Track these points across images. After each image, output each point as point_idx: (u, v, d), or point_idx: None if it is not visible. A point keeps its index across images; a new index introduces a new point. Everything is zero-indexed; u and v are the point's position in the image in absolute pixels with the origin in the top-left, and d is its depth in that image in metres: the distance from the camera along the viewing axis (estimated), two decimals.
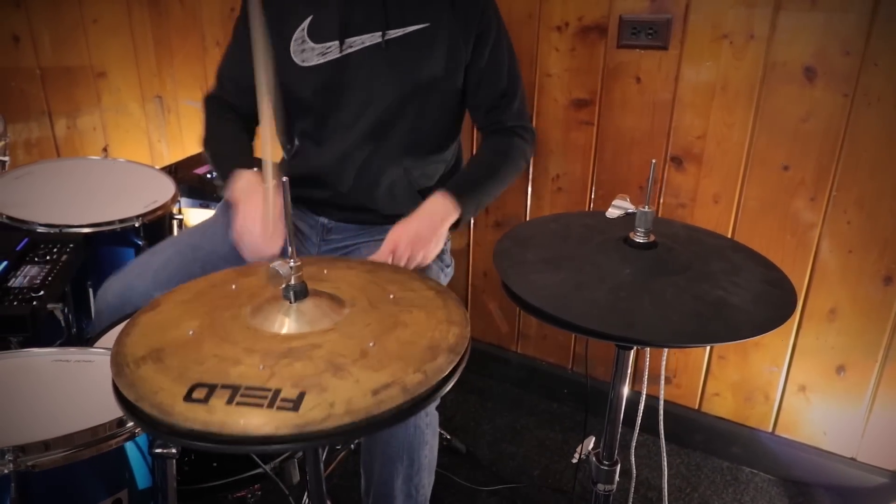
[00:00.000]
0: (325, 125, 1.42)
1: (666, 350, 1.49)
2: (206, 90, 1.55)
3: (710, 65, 1.61)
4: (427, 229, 1.25)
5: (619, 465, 1.15)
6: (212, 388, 0.67)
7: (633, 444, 1.36)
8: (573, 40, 1.76)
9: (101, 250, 1.59)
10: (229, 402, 0.65)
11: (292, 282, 0.81)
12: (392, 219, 1.48)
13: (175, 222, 1.77)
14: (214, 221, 1.47)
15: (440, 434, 1.85)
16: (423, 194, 1.49)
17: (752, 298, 0.93)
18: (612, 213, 1.03)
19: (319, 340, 0.76)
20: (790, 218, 1.63)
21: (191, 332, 0.79)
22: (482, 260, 2.14)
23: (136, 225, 1.60)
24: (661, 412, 1.21)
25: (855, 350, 1.65)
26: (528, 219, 2.01)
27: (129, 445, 0.96)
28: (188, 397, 0.66)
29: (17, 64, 2.15)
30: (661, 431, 1.22)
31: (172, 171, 2.09)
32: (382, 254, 1.20)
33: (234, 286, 0.91)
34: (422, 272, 1.31)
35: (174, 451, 0.99)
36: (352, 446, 1.71)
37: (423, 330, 0.79)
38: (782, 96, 1.55)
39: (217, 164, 1.41)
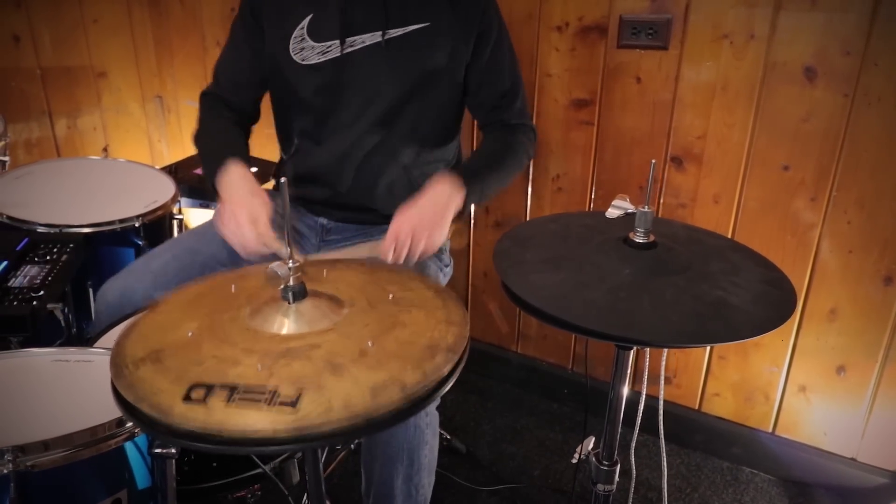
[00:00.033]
0: (324, 124, 1.42)
1: (666, 350, 1.49)
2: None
3: (711, 65, 1.61)
4: (430, 215, 1.21)
5: (618, 466, 1.15)
6: (210, 389, 0.67)
7: (633, 444, 1.36)
8: (573, 40, 1.76)
9: (101, 250, 1.59)
10: (228, 401, 0.65)
11: (291, 283, 0.81)
12: (391, 218, 1.48)
13: (175, 222, 1.77)
14: (213, 225, 1.47)
15: (440, 434, 1.85)
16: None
17: (751, 299, 0.93)
18: (612, 213, 1.03)
19: (318, 340, 0.76)
20: (790, 218, 1.63)
21: (190, 334, 0.79)
22: (482, 260, 2.14)
23: (136, 225, 1.61)
24: (661, 412, 1.21)
25: (855, 350, 1.65)
26: (528, 219, 2.00)
27: (128, 445, 0.96)
28: (187, 398, 0.66)
29: (18, 64, 2.15)
30: (661, 432, 1.22)
31: (172, 171, 2.09)
32: (385, 245, 1.17)
33: (233, 288, 0.91)
34: (421, 272, 1.31)
35: (173, 451, 0.99)
36: (352, 446, 1.71)
37: (422, 330, 0.79)
38: (782, 96, 1.55)
39: (206, 158, 1.39)
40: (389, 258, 1.17)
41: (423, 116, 1.41)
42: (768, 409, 1.81)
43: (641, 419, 1.29)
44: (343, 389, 0.67)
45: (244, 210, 1.18)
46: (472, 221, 2.10)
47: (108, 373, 0.73)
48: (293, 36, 1.36)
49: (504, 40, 1.44)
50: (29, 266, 1.35)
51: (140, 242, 1.62)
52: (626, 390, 1.09)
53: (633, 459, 1.36)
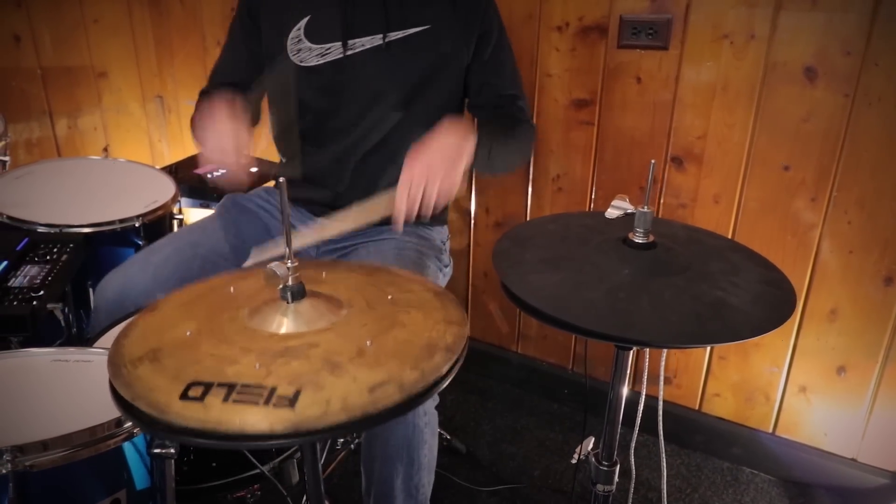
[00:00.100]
0: (323, 126, 1.42)
1: (665, 350, 1.49)
2: None
3: (711, 65, 1.61)
4: (443, 157, 1.16)
5: (618, 466, 1.14)
6: (208, 387, 0.67)
7: (633, 444, 1.36)
8: (573, 40, 1.76)
9: (101, 250, 1.58)
10: (225, 399, 0.65)
11: (290, 282, 0.81)
12: (391, 219, 1.48)
13: (175, 222, 1.77)
14: (214, 219, 1.47)
15: (440, 434, 1.85)
16: None
17: (751, 299, 0.92)
18: (612, 213, 1.03)
19: (316, 340, 0.76)
20: (791, 218, 1.63)
21: (188, 333, 0.79)
22: (482, 260, 2.14)
23: (137, 225, 1.60)
24: (661, 413, 1.20)
25: (855, 351, 1.64)
26: (528, 219, 2.00)
27: (127, 445, 0.96)
28: (184, 395, 0.66)
29: (18, 64, 2.15)
30: (661, 432, 1.21)
31: (173, 170, 2.09)
32: (399, 190, 1.13)
33: (232, 289, 0.91)
34: (421, 272, 1.31)
35: (172, 451, 0.99)
36: (351, 446, 1.71)
37: (421, 329, 0.79)
38: (783, 96, 1.55)
39: (199, 121, 1.37)
40: (403, 205, 1.14)
41: (424, 118, 1.41)
42: (769, 409, 1.81)
43: (642, 419, 1.29)
44: (341, 388, 0.66)
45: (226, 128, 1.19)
46: (473, 222, 2.10)
47: (107, 373, 0.73)
48: (290, 37, 1.36)
49: (504, 41, 1.44)
50: (29, 266, 1.35)
51: (140, 242, 1.62)
52: (625, 390, 1.09)
53: (632, 460, 1.36)
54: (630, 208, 1.02)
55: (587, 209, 1.90)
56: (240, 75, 1.46)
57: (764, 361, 1.77)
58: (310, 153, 1.45)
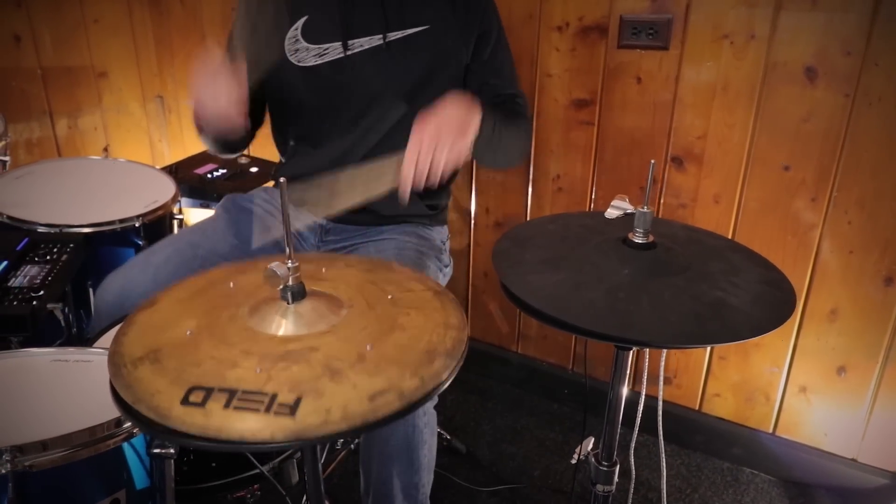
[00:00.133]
0: (322, 127, 1.42)
1: (665, 350, 1.49)
2: None
3: (711, 65, 1.61)
4: (452, 122, 1.16)
5: (618, 466, 1.14)
6: (209, 392, 0.66)
7: (633, 444, 1.36)
8: (574, 40, 1.76)
9: (101, 250, 1.59)
10: (226, 406, 0.65)
11: (290, 282, 0.81)
12: (391, 219, 1.48)
13: (175, 222, 1.77)
14: (214, 220, 1.47)
15: (440, 434, 1.85)
16: (422, 195, 1.48)
17: (750, 299, 0.92)
18: (611, 213, 1.03)
19: (317, 343, 0.75)
20: (791, 218, 1.63)
21: (188, 333, 0.79)
22: (482, 260, 2.14)
23: (137, 225, 1.60)
24: (660, 413, 1.20)
25: (856, 351, 1.64)
26: (528, 219, 2.00)
27: (126, 446, 0.96)
28: (185, 401, 0.66)
29: (19, 64, 2.15)
30: (660, 432, 1.21)
31: (173, 170, 2.09)
32: (408, 156, 1.13)
33: (231, 284, 0.91)
34: (421, 272, 1.31)
35: (172, 451, 0.99)
36: (351, 446, 1.71)
37: (421, 333, 0.78)
38: (783, 96, 1.55)
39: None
40: (412, 172, 1.13)
41: None
42: (769, 409, 1.81)
43: (642, 420, 1.29)
44: (341, 396, 0.66)
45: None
46: (473, 221, 2.10)
47: (107, 373, 0.73)
48: (288, 37, 1.36)
49: (503, 40, 1.44)
50: (29, 266, 1.35)
51: (140, 242, 1.62)
52: (625, 391, 1.09)
53: (632, 460, 1.36)
54: (630, 208, 1.01)
55: (587, 209, 1.90)
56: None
57: (764, 361, 1.77)
58: (309, 153, 1.45)
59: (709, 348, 1.84)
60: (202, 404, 0.65)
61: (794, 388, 1.75)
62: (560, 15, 1.75)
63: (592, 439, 1.20)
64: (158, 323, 0.83)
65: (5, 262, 1.33)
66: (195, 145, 2.60)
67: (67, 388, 1.04)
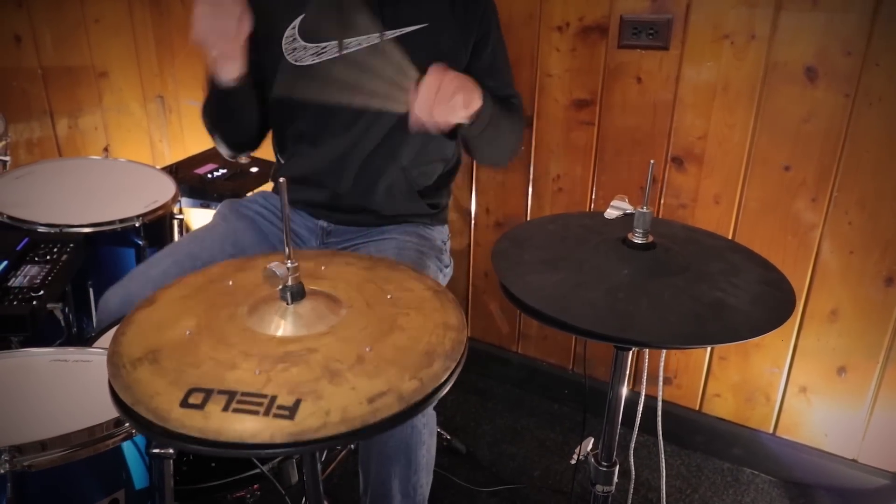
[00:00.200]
0: (321, 126, 1.41)
1: (664, 351, 1.49)
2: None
3: (711, 65, 1.61)
4: (461, 77, 1.21)
5: (617, 466, 1.14)
6: (208, 394, 0.66)
7: (633, 444, 1.36)
8: (574, 40, 1.76)
9: (101, 250, 1.59)
10: (225, 408, 0.65)
11: (289, 283, 0.81)
12: (391, 219, 1.48)
13: (175, 222, 1.77)
14: (212, 229, 1.46)
15: (440, 434, 1.85)
16: (422, 194, 1.49)
17: (750, 299, 0.92)
18: (611, 213, 1.03)
19: (316, 344, 0.75)
20: (791, 219, 1.63)
21: (188, 333, 0.79)
22: (483, 260, 2.14)
23: (137, 225, 1.60)
24: (660, 413, 1.20)
25: (856, 351, 1.64)
26: (528, 219, 2.00)
27: (126, 445, 0.96)
28: (184, 403, 0.65)
29: (19, 64, 2.15)
30: (660, 432, 1.21)
31: (173, 170, 2.09)
32: (429, 83, 1.16)
33: (230, 283, 0.91)
34: (421, 272, 1.31)
35: (171, 451, 0.99)
36: (351, 446, 1.71)
37: (420, 334, 0.78)
38: (783, 96, 1.55)
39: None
40: (432, 94, 1.16)
41: None
42: (769, 409, 1.81)
43: (642, 420, 1.29)
44: (341, 399, 0.66)
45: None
46: (473, 222, 2.10)
47: (106, 373, 0.73)
48: (285, 36, 1.36)
49: (500, 42, 1.44)
50: (29, 266, 1.36)
51: (140, 242, 1.62)
52: (624, 391, 1.08)
53: (632, 460, 1.36)
54: (629, 208, 1.01)
55: (587, 209, 1.89)
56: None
57: (764, 362, 1.77)
58: (308, 153, 1.45)
59: (709, 349, 1.84)
60: (201, 406, 0.65)
61: (795, 389, 1.75)
62: (560, 15, 1.75)
63: (592, 439, 1.20)
64: (157, 322, 0.83)
65: (5, 262, 1.33)
66: (196, 145, 2.60)
67: (67, 388, 1.04)
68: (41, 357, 1.10)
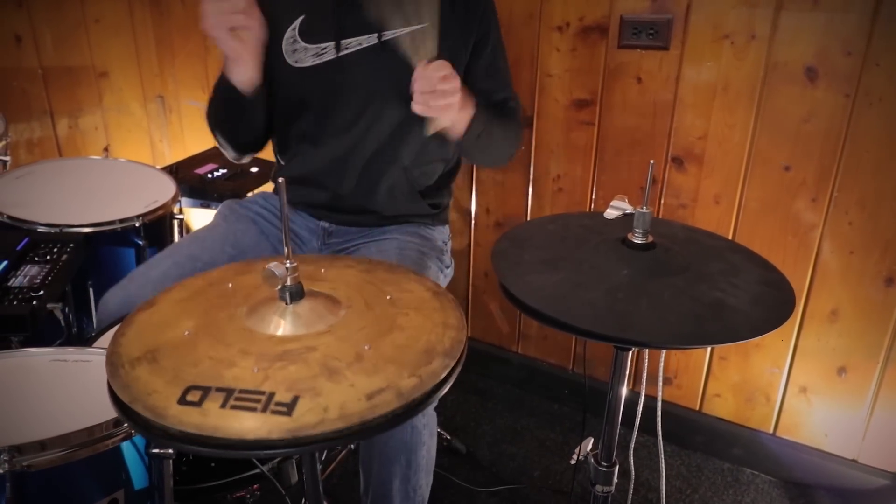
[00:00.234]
0: (322, 127, 1.41)
1: (664, 351, 1.48)
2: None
3: (711, 65, 1.61)
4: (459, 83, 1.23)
5: (617, 467, 1.14)
6: (206, 391, 0.67)
7: (632, 445, 1.36)
8: (574, 40, 1.76)
9: (101, 250, 1.59)
10: (223, 405, 0.65)
11: (288, 283, 0.81)
12: (393, 219, 1.48)
13: (175, 222, 1.77)
14: (212, 229, 1.46)
15: (440, 434, 1.85)
16: (423, 194, 1.49)
17: (750, 300, 0.92)
18: (610, 213, 1.03)
19: (314, 343, 0.75)
20: (791, 219, 1.62)
21: (186, 333, 0.79)
22: (483, 260, 2.14)
23: (137, 225, 1.61)
24: (659, 413, 1.20)
25: (856, 351, 1.64)
26: (528, 219, 2.00)
27: (125, 445, 0.96)
28: (182, 400, 0.66)
29: (19, 64, 2.15)
30: (659, 432, 1.21)
31: (173, 170, 2.09)
32: (433, 68, 1.19)
33: (230, 285, 0.91)
34: (422, 273, 1.31)
35: (171, 451, 0.99)
36: (351, 446, 1.71)
37: (419, 333, 0.78)
38: (783, 96, 1.55)
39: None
40: (434, 79, 1.19)
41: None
42: (769, 410, 1.81)
43: (643, 420, 1.29)
44: (339, 395, 0.66)
45: None
46: (473, 222, 2.10)
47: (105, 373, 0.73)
48: (285, 37, 1.36)
49: (500, 43, 1.44)
50: (29, 266, 1.36)
51: (140, 242, 1.62)
52: (624, 391, 1.08)
53: (631, 460, 1.36)
54: (629, 209, 1.01)
55: (588, 209, 1.89)
56: None
57: (765, 362, 1.77)
58: (309, 154, 1.45)
59: (709, 349, 1.84)
60: (199, 403, 0.65)
61: (795, 389, 1.75)
62: (560, 15, 1.75)
63: (592, 440, 1.20)
64: (157, 323, 0.83)
65: (5, 262, 1.33)
66: (196, 145, 2.60)
67: (66, 387, 1.04)
68: (41, 357, 1.10)
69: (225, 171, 2.15)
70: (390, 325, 0.80)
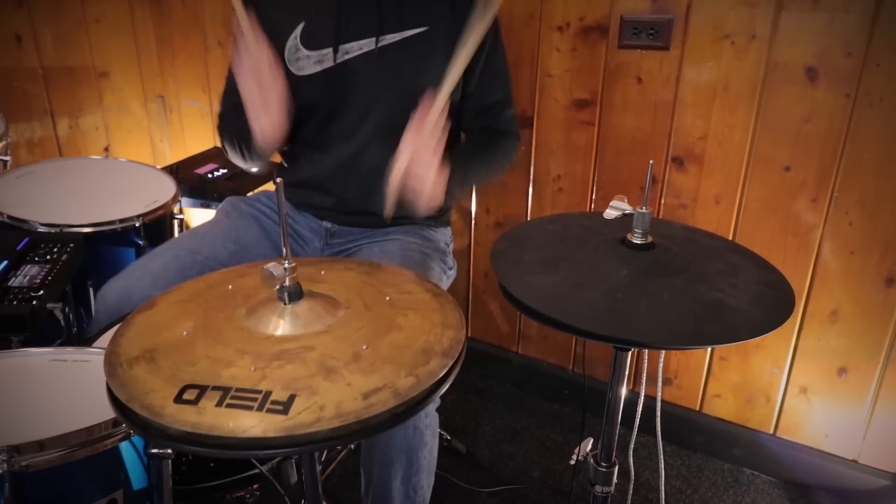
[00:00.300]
0: (325, 132, 1.41)
1: (664, 351, 1.48)
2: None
3: (712, 65, 1.61)
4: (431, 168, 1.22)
5: (617, 467, 1.14)
6: (203, 390, 0.67)
7: (632, 445, 1.36)
8: (574, 40, 1.75)
9: (101, 250, 1.59)
10: (219, 404, 0.65)
11: (287, 283, 0.81)
12: (395, 220, 1.48)
13: (176, 222, 1.77)
14: (214, 225, 1.46)
15: (440, 435, 1.84)
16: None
17: (749, 300, 0.92)
18: (610, 213, 1.02)
19: (312, 343, 0.76)
20: (792, 219, 1.62)
21: (185, 333, 0.79)
22: (483, 260, 2.14)
23: (137, 225, 1.61)
24: (659, 413, 1.20)
25: (856, 352, 1.64)
26: (528, 219, 2.00)
27: (124, 445, 0.96)
28: (179, 398, 0.66)
29: (20, 63, 2.16)
30: (659, 433, 1.21)
31: (174, 170, 2.09)
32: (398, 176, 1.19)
33: (230, 287, 0.91)
34: (424, 273, 1.31)
35: (170, 451, 0.99)
36: (352, 447, 1.71)
37: (417, 333, 0.78)
38: (784, 97, 1.55)
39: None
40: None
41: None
42: (769, 410, 1.80)
43: (643, 420, 1.29)
44: (335, 394, 0.66)
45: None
46: (473, 221, 2.10)
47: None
48: (287, 46, 1.35)
49: (500, 46, 1.43)
50: (29, 266, 1.36)
51: (140, 242, 1.62)
52: (624, 391, 1.08)
53: (631, 461, 1.36)
54: (628, 209, 1.01)
55: (588, 209, 1.89)
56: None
57: (765, 362, 1.77)
58: (313, 159, 1.45)
59: (709, 349, 1.84)
60: (195, 402, 0.65)
61: (795, 389, 1.75)
62: (561, 15, 1.75)
63: (592, 440, 1.20)
64: (156, 323, 0.83)
65: (5, 262, 1.33)
66: (196, 145, 2.60)
67: (65, 387, 1.04)
68: (40, 357, 1.10)
69: (225, 170, 2.15)
70: (389, 325, 0.80)
